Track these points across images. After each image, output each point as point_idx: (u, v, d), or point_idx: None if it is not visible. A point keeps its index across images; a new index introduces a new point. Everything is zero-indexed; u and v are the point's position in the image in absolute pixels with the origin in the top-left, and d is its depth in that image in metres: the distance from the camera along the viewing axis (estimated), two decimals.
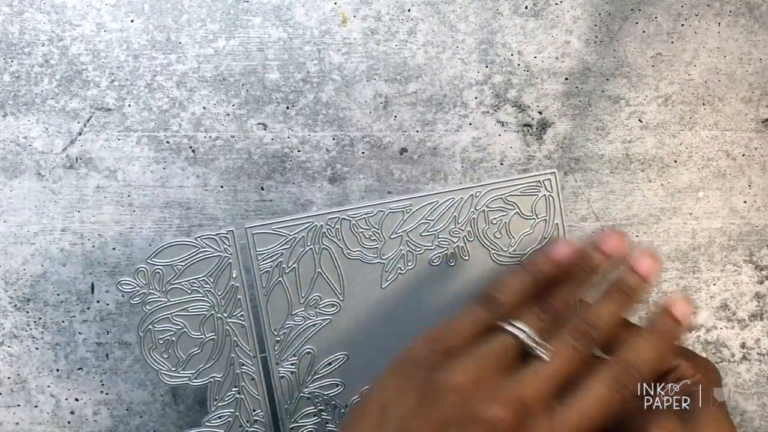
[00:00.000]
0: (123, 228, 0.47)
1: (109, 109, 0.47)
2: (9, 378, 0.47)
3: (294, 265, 0.39)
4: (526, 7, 0.48)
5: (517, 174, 0.40)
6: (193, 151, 0.47)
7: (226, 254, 0.39)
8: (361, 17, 0.48)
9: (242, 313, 0.39)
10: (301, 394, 0.39)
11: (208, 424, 0.39)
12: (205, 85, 0.47)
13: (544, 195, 0.40)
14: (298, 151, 0.48)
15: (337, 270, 0.39)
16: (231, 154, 0.47)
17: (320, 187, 0.48)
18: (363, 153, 0.48)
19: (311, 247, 0.39)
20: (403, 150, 0.48)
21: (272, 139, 0.47)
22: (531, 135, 0.49)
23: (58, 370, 0.47)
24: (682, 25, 0.49)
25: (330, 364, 0.40)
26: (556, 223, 0.40)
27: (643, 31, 0.49)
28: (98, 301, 0.47)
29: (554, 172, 0.40)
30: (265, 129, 0.47)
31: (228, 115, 0.47)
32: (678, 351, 0.39)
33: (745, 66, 0.50)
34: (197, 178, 0.47)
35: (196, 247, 0.39)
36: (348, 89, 0.48)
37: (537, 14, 0.49)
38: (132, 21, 0.47)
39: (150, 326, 0.39)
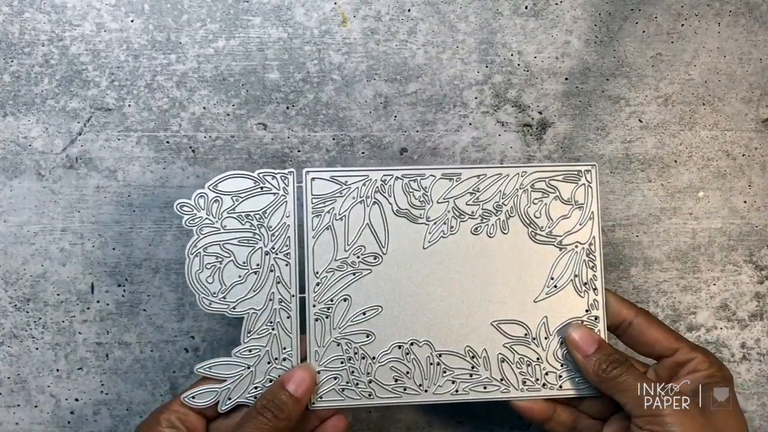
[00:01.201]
0: (123, 228, 0.47)
1: (109, 109, 0.47)
2: (9, 378, 0.47)
3: (345, 213, 0.41)
4: (526, 7, 0.48)
5: (561, 163, 0.43)
6: (193, 151, 0.47)
7: (283, 193, 0.40)
8: (361, 17, 0.48)
9: (289, 251, 0.40)
10: (332, 339, 0.40)
11: (237, 355, 0.40)
12: (205, 85, 0.47)
13: (584, 184, 0.42)
14: (298, 151, 0.48)
15: (384, 224, 0.41)
16: (231, 154, 0.47)
17: None
18: (363, 153, 0.48)
19: (363, 198, 0.41)
20: (403, 150, 0.48)
21: (272, 139, 0.47)
22: (531, 135, 0.49)
23: (58, 370, 0.47)
24: (682, 25, 0.49)
25: (364, 313, 0.41)
26: (592, 211, 0.42)
27: (643, 31, 0.49)
28: (98, 301, 0.47)
29: (595, 165, 0.42)
30: (265, 129, 0.47)
31: (228, 115, 0.47)
32: (693, 345, 0.41)
33: (745, 66, 0.50)
34: (197, 178, 0.47)
35: (257, 181, 0.40)
36: (348, 89, 0.48)
37: (537, 14, 0.49)
38: (132, 21, 0.47)
39: (200, 251, 0.40)
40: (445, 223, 0.41)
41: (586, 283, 0.41)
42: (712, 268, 0.50)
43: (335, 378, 0.40)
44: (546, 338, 0.41)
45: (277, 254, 0.40)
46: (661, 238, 0.49)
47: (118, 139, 0.47)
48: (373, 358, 0.40)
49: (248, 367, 0.40)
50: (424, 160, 0.48)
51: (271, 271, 0.40)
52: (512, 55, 0.48)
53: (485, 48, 0.48)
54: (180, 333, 0.47)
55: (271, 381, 0.40)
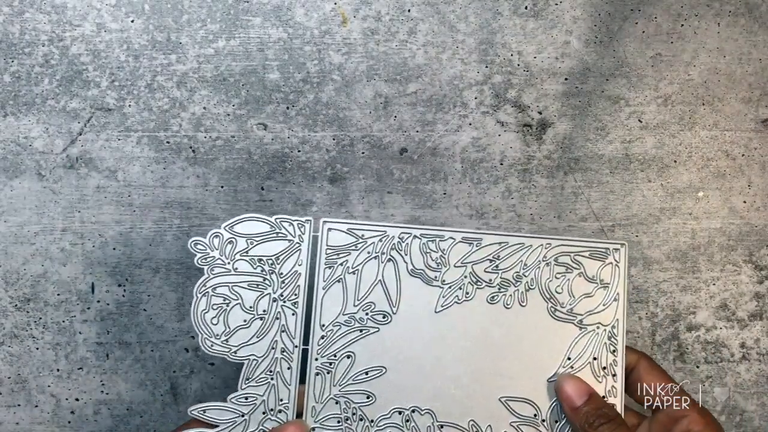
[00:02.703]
0: (123, 228, 0.47)
1: (110, 109, 0.47)
2: (9, 378, 0.47)
3: (358, 267, 0.40)
4: (526, 7, 0.48)
5: (589, 237, 0.40)
6: (193, 151, 0.47)
7: (298, 240, 0.40)
8: (361, 17, 0.48)
9: (297, 300, 0.40)
10: (331, 396, 0.39)
11: (233, 401, 0.39)
12: (205, 85, 0.47)
13: (611, 263, 0.40)
14: (298, 151, 0.48)
15: (397, 283, 0.40)
16: (231, 154, 0.47)
17: (320, 187, 0.48)
18: (363, 153, 0.48)
19: (379, 254, 0.40)
20: (403, 150, 0.48)
21: (272, 139, 0.47)
22: (531, 135, 0.49)
23: (58, 370, 0.47)
24: (682, 25, 0.49)
25: (367, 373, 0.39)
26: (618, 293, 0.40)
27: (643, 31, 0.49)
28: (98, 301, 0.47)
29: (625, 245, 0.40)
30: (265, 129, 0.47)
31: (228, 115, 0.47)
32: (692, 402, 0.39)
33: (745, 66, 0.50)
34: (197, 178, 0.47)
35: (273, 226, 0.40)
36: (348, 89, 0.48)
37: (537, 14, 0.49)
38: (132, 21, 0.47)
39: (209, 290, 0.39)
40: (460, 288, 0.40)
41: (605, 368, 0.39)
42: (711, 268, 0.50)
43: None
44: (556, 422, 0.39)
45: (284, 302, 0.40)
46: (660, 238, 0.49)
47: (119, 139, 0.47)
48: (372, 421, 0.39)
49: (242, 415, 0.39)
50: (424, 160, 0.48)
51: (277, 318, 0.39)
52: (512, 55, 0.48)
53: (485, 48, 0.48)
54: (180, 333, 0.47)
55: None
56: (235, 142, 0.47)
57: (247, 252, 0.40)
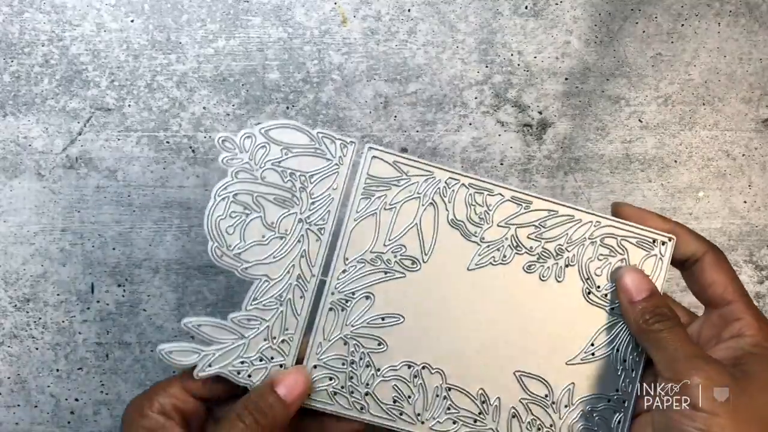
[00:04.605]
0: (123, 228, 0.47)
1: (109, 109, 0.47)
2: (9, 378, 0.47)
3: (396, 205, 0.36)
4: (526, 7, 0.48)
5: (640, 225, 0.37)
6: (193, 151, 0.47)
7: (338, 162, 0.36)
8: (361, 17, 0.48)
9: (324, 226, 0.36)
10: (341, 336, 0.36)
11: (234, 321, 0.35)
12: (205, 85, 0.47)
13: (656, 255, 0.38)
14: None
15: (434, 231, 0.37)
16: None
17: None
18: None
19: (420, 195, 0.36)
20: (403, 150, 0.48)
21: None
22: (531, 135, 0.49)
23: (58, 370, 0.47)
24: (682, 25, 0.49)
25: (383, 319, 0.36)
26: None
27: (643, 31, 0.49)
28: (98, 301, 0.47)
29: (673, 239, 0.37)
30: None
31: (228, 115, 0.47)
32: (748, 303, 0.36)
33: (745, 66, 0.50)
34: (197, 178, 0.47)
35: (313, 141, 0.36)
36: (348, 89, 0.48)
37: (537, 14, 0.49)
38: (132, 21, 0.47)
39: (229, 195, 0.35)
40: (498, 250, 0.37)
41: (625, 361, 0.38)
42: None
43: (330, 378, 0.36)
44: (566, 407, 0.37)
45: (310, 226, 0.36)
46: None
47: (118, 139, 0.47)
48: (378, 369, 0.36)
49: (242, 337, 0.35)
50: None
51: (299, 242, 0.36)
52: (512, 55, 0.48)
53: (485, 48, 0.48)
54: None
55: (261, 360, 0.35)
56: None
57: (279, 162, 0.35)
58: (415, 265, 0.37)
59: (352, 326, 0.36)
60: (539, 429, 0.37)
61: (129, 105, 0.47)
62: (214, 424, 0.36)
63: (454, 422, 0.37)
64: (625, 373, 0.37)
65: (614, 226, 0.38)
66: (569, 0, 0.49)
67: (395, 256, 0.36)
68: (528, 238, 0.37)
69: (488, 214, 0.37)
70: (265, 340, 0.35)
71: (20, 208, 0.47)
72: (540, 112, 0.49)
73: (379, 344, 0.36)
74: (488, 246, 0.37)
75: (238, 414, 0.33)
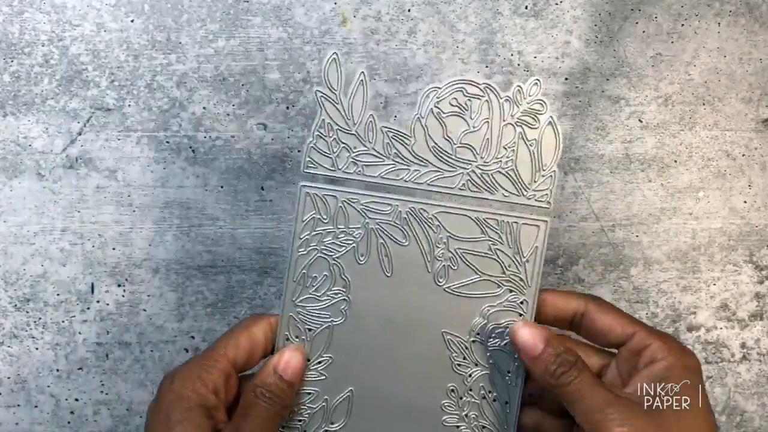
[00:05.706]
0: (123, 228, 0.47)
1: (109, 109, 0.47)
2: (9, 378, 0.47)
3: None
4: (526, 7, 0.48)
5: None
6: (193, 151, 0.47)
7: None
8: (361, 17, 0.48)
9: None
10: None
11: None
12: (205, 85, 0.47)
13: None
14: (298, 151, 0.48)
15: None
16: (231, 154, 0.47)
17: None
18: None
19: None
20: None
21: (272, 139, 0.47)
22: None
23: (58, 370, 0.47)
24: (682, 25, 0.49)
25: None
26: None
27: (643, 31, 0.49)
28: (98, 301, 0.47)
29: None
30: (265, 129, 0.47)
31: (228, 115, 0.47)
32: (650, 330, 0.36)
33: (745, 66, 0.50)
34: (197, 178, 0.47)
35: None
36: (348, 89, 0.48)
37: (537, 14, 0.49)
38: (132, 21, 0.47)
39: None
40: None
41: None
42: (712, 268, 0.50)
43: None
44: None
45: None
46: (661, 238, 0.49)
47: (118, 139, 0.47)
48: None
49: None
50: None
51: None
52: (512, 55, 0.48)
53: (485, 48, 0.48)
54: (180, 333, 0.47)
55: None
56: (235, 142, 0.47)
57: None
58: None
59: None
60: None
61: (129, 105, 0.47)
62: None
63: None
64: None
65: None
66: (569, 0, 0.49)
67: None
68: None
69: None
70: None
71: (20, 208, 0.47)
72: None
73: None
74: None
75: (255, 395, 0.34)
